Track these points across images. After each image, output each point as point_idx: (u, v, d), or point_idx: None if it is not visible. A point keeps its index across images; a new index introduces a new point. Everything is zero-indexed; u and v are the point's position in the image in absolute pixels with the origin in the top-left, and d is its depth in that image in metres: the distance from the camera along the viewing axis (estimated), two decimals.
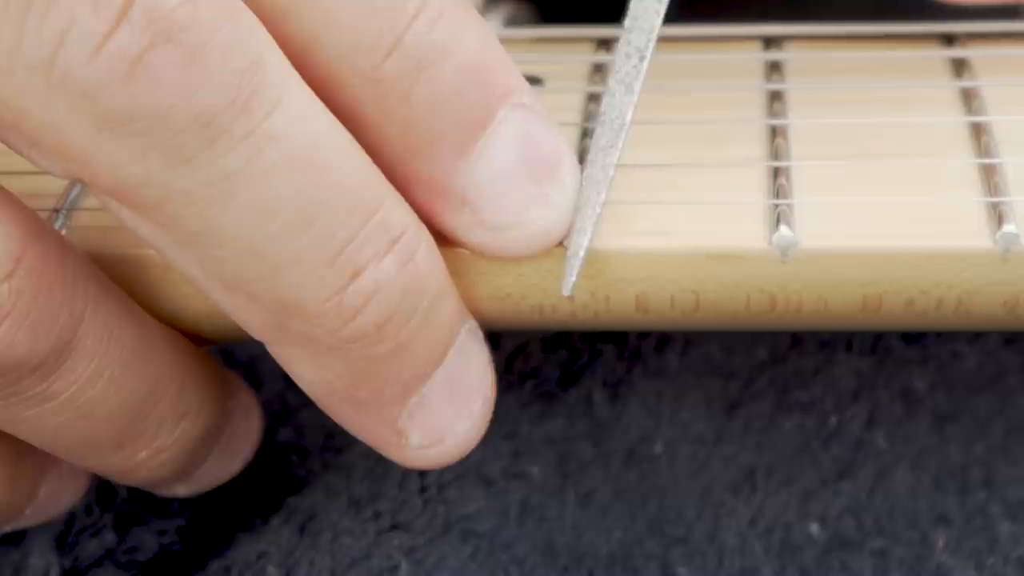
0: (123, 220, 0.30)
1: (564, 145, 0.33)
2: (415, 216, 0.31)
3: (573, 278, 0.32)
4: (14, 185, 0.30)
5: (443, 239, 0.32)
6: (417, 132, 0.31)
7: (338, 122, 0.30)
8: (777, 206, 0.33)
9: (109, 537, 0.38)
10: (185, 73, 0.27)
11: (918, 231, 0.33)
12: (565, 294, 0.32)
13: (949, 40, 0.39)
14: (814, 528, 0.37)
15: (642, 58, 0.33)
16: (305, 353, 0.31)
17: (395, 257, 0.30)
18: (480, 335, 0.33)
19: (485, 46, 0.31)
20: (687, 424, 0.39)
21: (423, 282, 0.31)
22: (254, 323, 0.31)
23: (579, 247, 0.32)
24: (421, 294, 0.31)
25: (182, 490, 0.37)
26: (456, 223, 0.32)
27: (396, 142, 0.31)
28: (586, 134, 0.36)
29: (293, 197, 0.29)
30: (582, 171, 0.33)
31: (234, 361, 0.40)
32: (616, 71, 0.33)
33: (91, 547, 0.38)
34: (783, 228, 0.32)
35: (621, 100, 0.33)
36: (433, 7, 0.30)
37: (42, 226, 0.30)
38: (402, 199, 0.31)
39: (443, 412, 0.33)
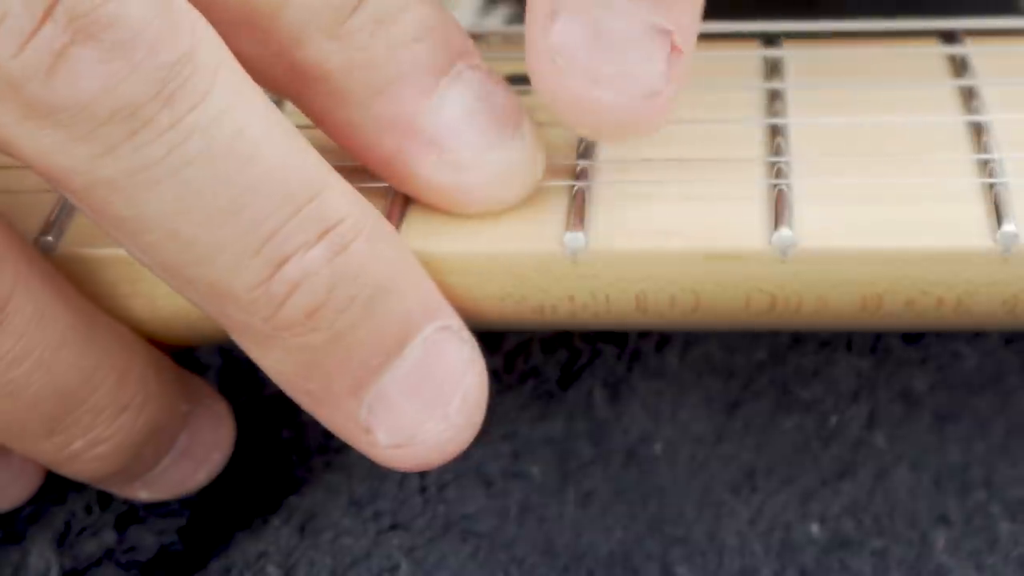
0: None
1: (520, 105, 0.34)
2: (363, 206, 0.32)
3: None
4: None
5: (417, 189, 0.33)
6: (379, 73, 0.32)
7: (274, 109, 0.31)
8: (777, 206, 0.33)
9: (109, 537, 0.38)
10: (106, 68, 0.28)
11: (918, 231, 0.33)
12: None
13: (949, 37, 0.38)
14: (814, 528, 0.37)
15: None
16: (251, 342, 0.32)
17: (326, 246, 0.31)
18: (462, 335, 0.33)
19: (441, 11, 0.33)
20: (687, 424, 0.39)
21: (360, 272, 0.31)
22: (202, 308, 0.32)
23: None
24: (356, 284, 0.31)
25: (143, 494, 0.37)
26: (424, 164, 0.33)
27: (360, 86, 0.32)
28: None
29: (217, 187, 0.30)
30: None
31: (235, 360, 0.40)
32: None
33: (91, 547, 0.38)
34: (783, 228, 0.32)
35: None
36: None
37: None
38: (345, 188, 0.32)
39: (409, 409, 0.33)
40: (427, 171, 0.33)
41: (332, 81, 0.32)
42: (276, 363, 0.32)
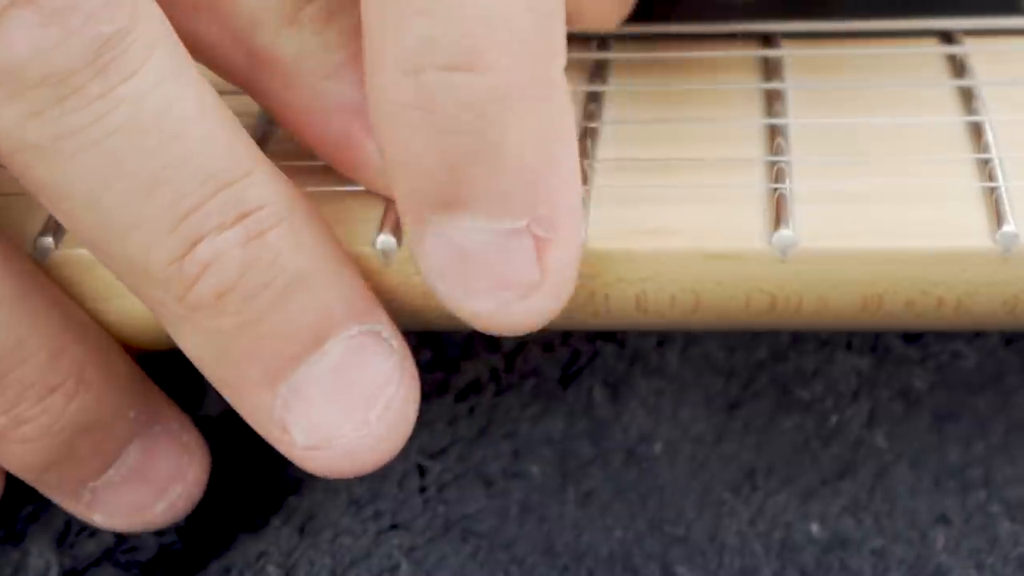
0: None
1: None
2: (289, 198, 0.32)
3: None
4: None
5: (367, 176, 0.34)
6: (332, 57, 0.33)
7: (210, 92, 0.31)
8: (777, 206, 0.33)
9: (109, 537, 0.38)
10: (41, 32, 0.29)
11: (918, 231, 0.33)
12: None
13: (948, 37, 0.38)
14: (814, 527, 0.37)
15: None
16: (168, 323, 0.32)
17: (240, 230, 0.31)
18: (391, 343, 0.33)
19: None
20: (687, 423, 0.39)
21: (274, 260, 0.31)
22: (125, 284, 0.32)
23: None
24: (270, 271, 0.31)
25: (97, 517, 0.36)
26: (371, 147, 0.33)
27: (313, 69, 0.33)
28: (586, 134, 0.36)
29: (139, 160, 0.30)
30: None
31: None
32: None
33: (91, 547, 0.38)
34: (783, 228, 0.32)
35: None
36: None
37: None
38: (275, 177, 0.32)
39: (326, 410, 0.32)
40: (373, 153, 0.33)
41: (286, 66, 0.33)
42: (193, 347, 0.32)
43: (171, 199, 0.30)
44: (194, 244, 0.31)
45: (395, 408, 0.33)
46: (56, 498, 0.36)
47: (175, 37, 0.31)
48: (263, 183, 0.31)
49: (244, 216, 0.31)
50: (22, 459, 0.34)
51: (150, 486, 0.36)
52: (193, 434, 0.37)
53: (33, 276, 0.34)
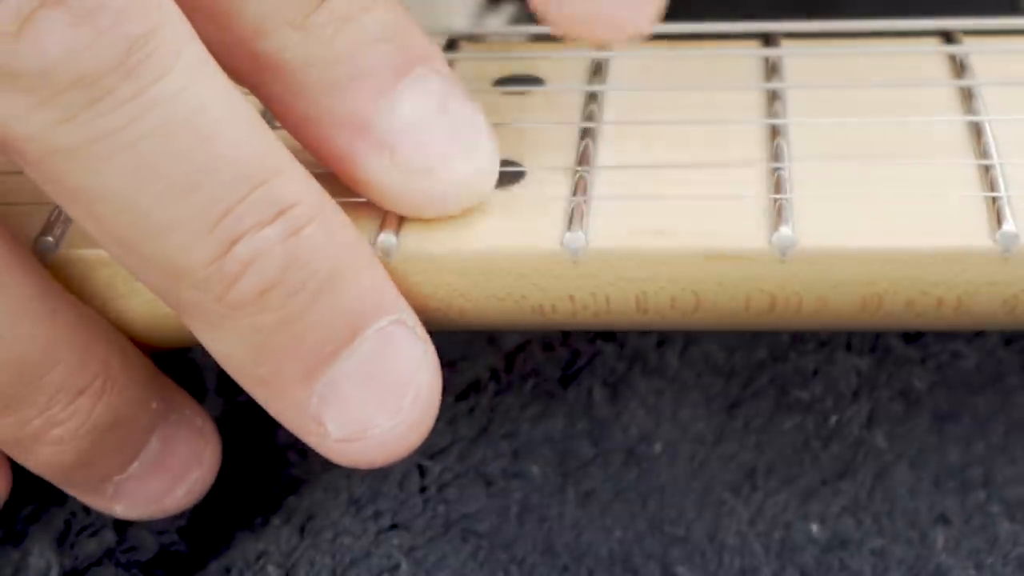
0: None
1: (481, 115, 0.34)
2: (318, 194, 0.32)
3: None
4: None
5: (367, 189, 0.33)
6: (339, 69, 0.32)
7: (235, 92, 0.31)
8: (777, 206, 0.33)
9: (109, 537, 0.38)
10: (72, 33, 0.28)
11: (918, 231, 0.33)
12: None
13: (949, 37, 0.38)
14: (814, 527, 0.37)
15: None
16: (204, 324, 0.32)
17: (279, 227, 0.31)
18: (416, 332, 0.33)
19: (405, 14, 0.33)
20: (687, 423, 0.39)
21: (312, 256, 0.31)
22: (155, 288, 0.32)
23: None
24: (309, 268, 0.31)
25: (119, 508, 0.36)
26: (375, 165, 0.33)
27: (319, 80, 0.33)
28: (585, 134, 0.36)
29: (174, 161, 0.30)
30: None
31: None
32: None
33: (91, 547, 0.38)
34: (783, 228, 0.32)
35: None
36: None
37: None
38: (304, 175, 0.32)
39: (361, 402, 0.33)
40: (377, 172, 0.33)
41: (291, 73, 0.33)
42: (227, 347, 0.32)
43: (208, 198, 0.30)
44: (233, 243, 0.31)
45: (424, 395, 0.33)
46: (80, 495, 0.36)
47: (196, 36, 0.30)
48: (295, 180, 0.31)
49: (280, 213, 0.31)
50: (52, 460, 0.34)
51: (171, 473, 0.36)
52: (205, 418, 0.37)
53: (50, 279, 0.34)
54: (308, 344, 0.32)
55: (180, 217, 0.30)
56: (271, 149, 0.31)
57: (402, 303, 0.33)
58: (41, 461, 0.34)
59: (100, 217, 0.30)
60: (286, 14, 0.32)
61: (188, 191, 0.30)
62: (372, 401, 0.33)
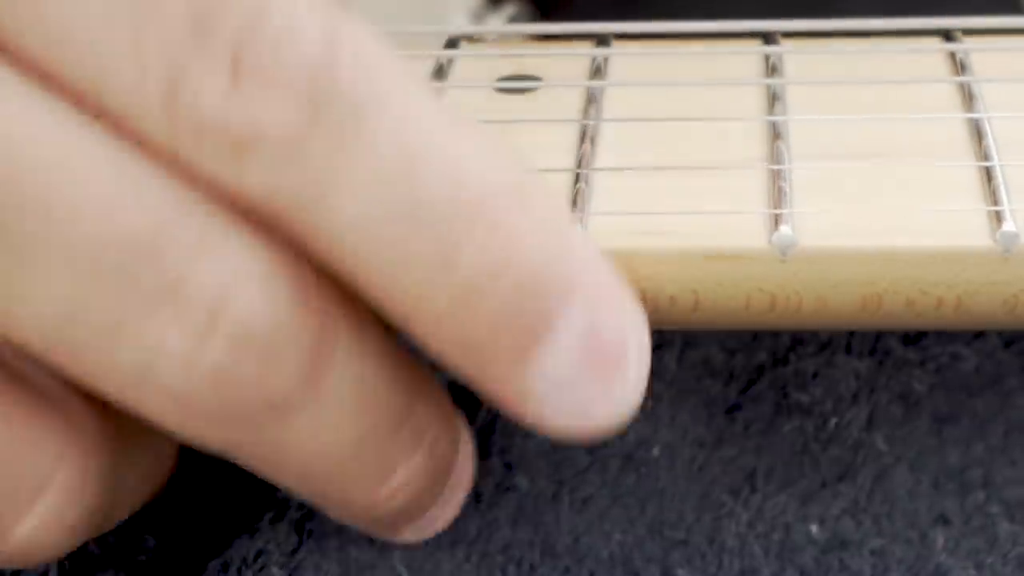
0: None
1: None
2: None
3: None
4: None
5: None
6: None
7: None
8: (777, 205, 0.33)
9: (109, 537, 0.38)
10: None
11: (918, 231, 0.33)
12: None
13: (950, 36, 0.39)
14: (813, 529, 0.37)
15: None
16: (427, 313, 0.29)
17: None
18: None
19: None
20: (686, 427, 0.39)
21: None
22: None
23: None
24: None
25: (409, 534, 0.36)
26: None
27: None
28: (585, 133, 0.36)
29: None
30: None
31: None
32: None
33: (91, 547, 0.38)
34: (783, 228, 0.32)
35: None
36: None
37: None
38: None
39: (579, 375, 0.30)
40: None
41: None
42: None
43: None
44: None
45: (643, 358, 0.31)
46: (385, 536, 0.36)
47: None
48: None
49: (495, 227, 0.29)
50: (397, 507, 0.33)
51: (451, 501, 0.36)
52: (470, 436, 0.36)
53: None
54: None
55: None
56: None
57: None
58: (379, 516, 0.34)
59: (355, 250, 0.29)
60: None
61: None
62: (592, 374, 0.30)
